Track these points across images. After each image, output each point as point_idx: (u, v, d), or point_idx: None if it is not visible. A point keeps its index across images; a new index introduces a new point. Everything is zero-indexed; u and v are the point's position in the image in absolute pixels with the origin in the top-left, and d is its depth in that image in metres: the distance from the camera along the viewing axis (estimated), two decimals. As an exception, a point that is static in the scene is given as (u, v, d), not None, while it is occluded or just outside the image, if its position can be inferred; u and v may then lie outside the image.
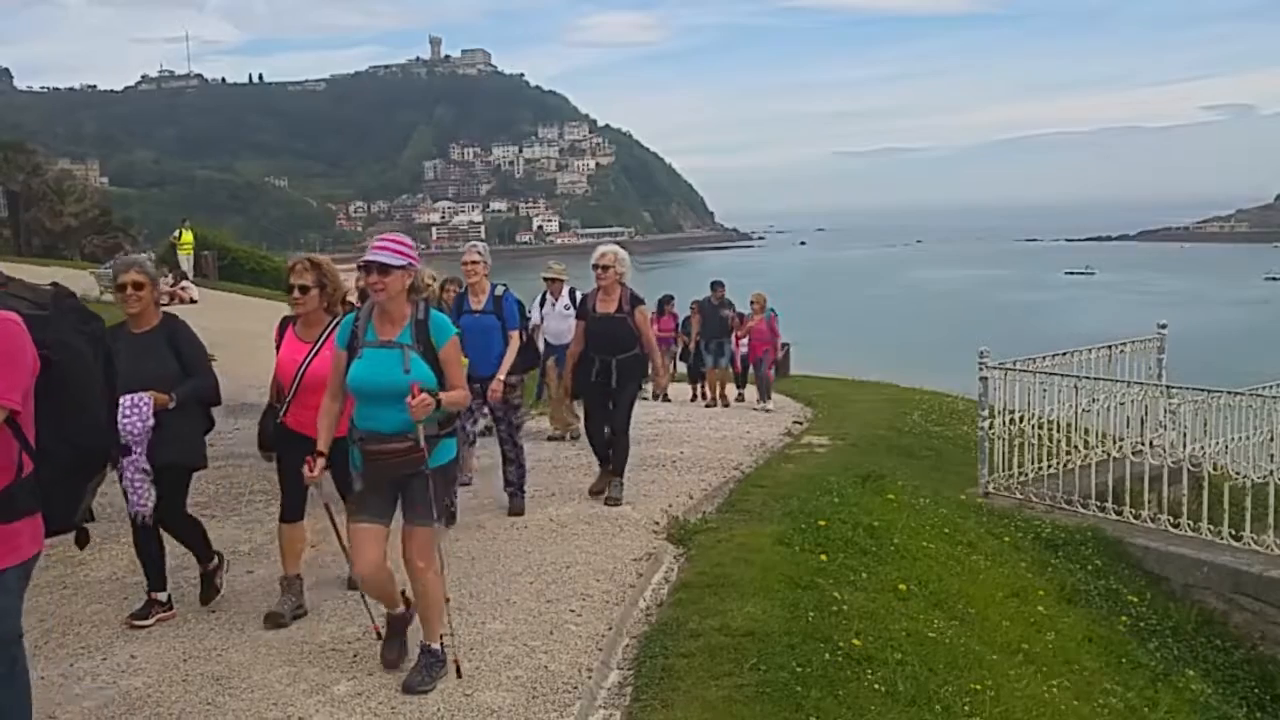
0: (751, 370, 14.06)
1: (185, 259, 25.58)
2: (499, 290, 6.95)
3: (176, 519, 4.92)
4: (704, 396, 13.84)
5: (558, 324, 9.37)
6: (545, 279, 9.89)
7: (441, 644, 4.24)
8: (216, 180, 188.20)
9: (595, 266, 7.00)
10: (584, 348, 7.08)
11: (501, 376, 6.73)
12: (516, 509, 6.78)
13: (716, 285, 14.50)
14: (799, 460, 9.23)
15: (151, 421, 4.62)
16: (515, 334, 6.88)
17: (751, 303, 14.08)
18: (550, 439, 9.48)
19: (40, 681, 4.29)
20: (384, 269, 4.01)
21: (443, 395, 4.03)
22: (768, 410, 13.07)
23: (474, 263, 7.01)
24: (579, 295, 8.77)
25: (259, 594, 5.18)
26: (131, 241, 41.72)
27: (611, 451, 7.17)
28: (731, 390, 14.35)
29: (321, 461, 4.18)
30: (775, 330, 14.08)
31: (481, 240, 6.93)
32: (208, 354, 5.10)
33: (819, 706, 4.04)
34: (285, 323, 4.99)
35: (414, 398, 3.91)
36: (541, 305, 9.74)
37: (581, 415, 8.97)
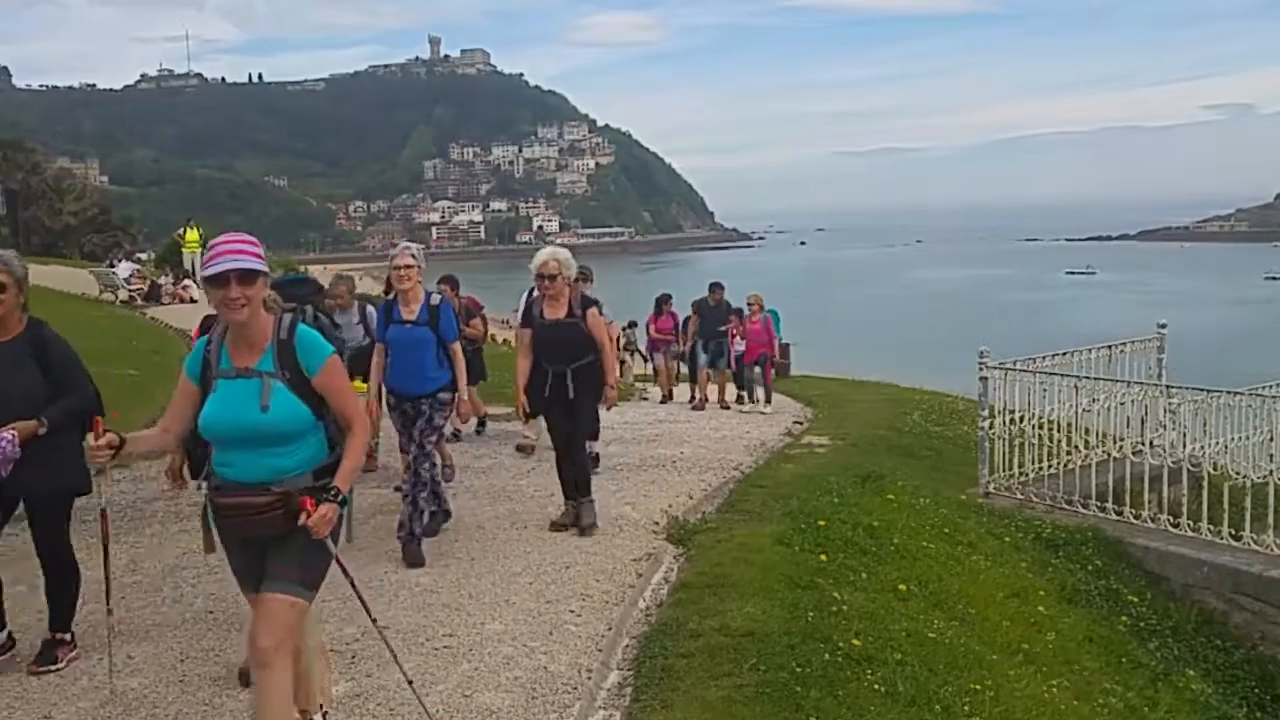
0: (745, 371, 13.66)
1: (190, 258, 25.64)
2: (435, 299, 6.14)
3: (58, 555, 4.49)
4: (693, 398, 13.57)
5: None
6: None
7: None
8: (216, 179, 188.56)
9: (541, 277, 6.33)
10: (533, 359, 6.42)
11: (464, 395, 6.15)
12: (411, 558, 5.69)
13: (715, 286, 14.19)
14: (799, 460, 9.22)
15: (17, 454, 4.12)
16: (455, 346, 6.14)
17: (749, 303, 13.75)
18: (519, 448, 9.06)
19: (37, 682, 4.29)
20: (247, 276, 3.12)
21: (341, 470, 3.25)
22: (763, 413, 12.81)
23: (407, 267, 6.10)
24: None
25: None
26: (131, 240, 41.82)
27: (564, 472, 6.54)
28: (731, 392, 14.06)
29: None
30: (772, 332, 13.71)
31: (413, 246, 6.58)
32: (81, 365, 4.50)
33: (819, 707, 4.03)
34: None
35: (310, 515, 3.14)
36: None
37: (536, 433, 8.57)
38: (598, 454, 8.43)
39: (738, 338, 13.66)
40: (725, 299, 14.07)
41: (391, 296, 6.26)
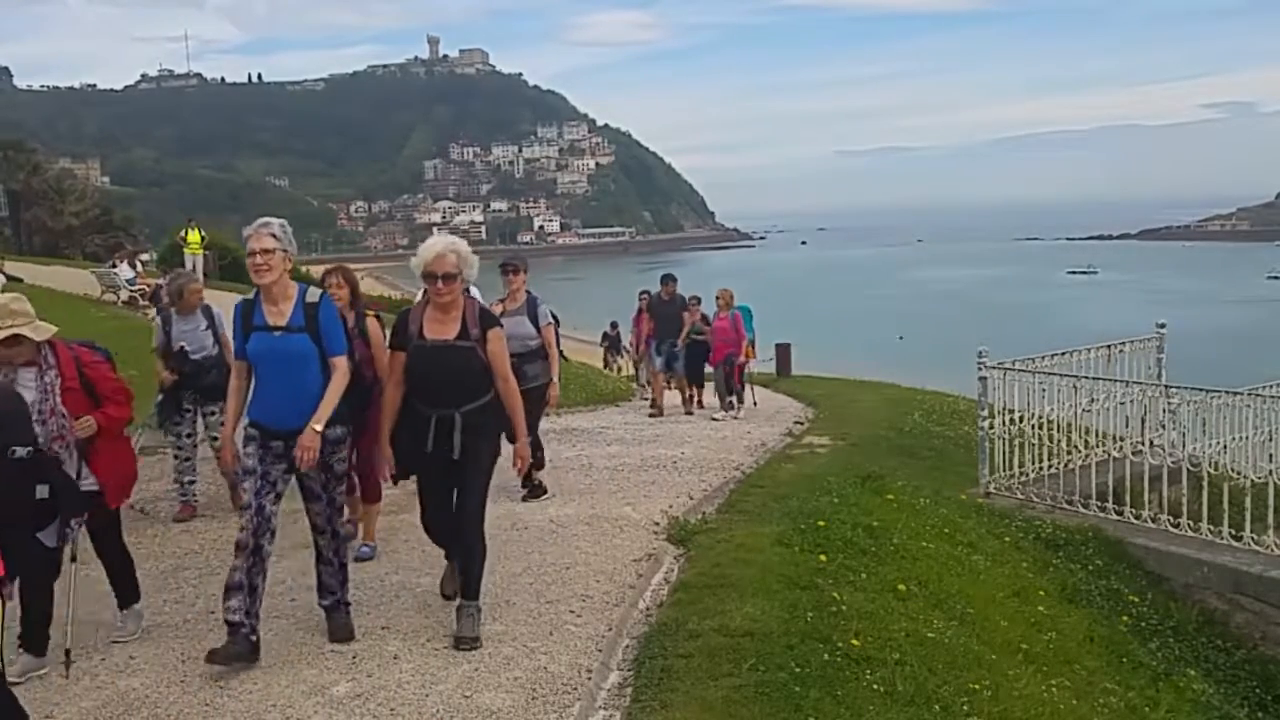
0: (714, 374, 12.53)
1: (191, 259, 25.63)
2: (312, 295, 4.53)
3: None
4: (653, 405, 12.39)
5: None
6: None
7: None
8: (217, 180, 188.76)
9: (433, 277, 4.58)
10: (406, 396, 4.68)
11: (317, 427, 4.35)
12: (338, 631, 4.66)
13: (667, 279, 12.96)
14: (799, 460, 9.22)
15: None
16: (341, 361, 4.49)
17: (716, 299, 12.55)
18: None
19: (38, 682, 4.30)
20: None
21: None
22: (736, 417, 11.97)
23: (265, 252, 4.37)
24: (475, 291, 7.36)
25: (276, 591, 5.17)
26: (133, 240, 41.84)
27: (453, 560, 4.96)
28: (705, 396, 13.13)
29: None
30: (741, 330, 12.40)
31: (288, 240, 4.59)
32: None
33: (818, 707, 4.03)
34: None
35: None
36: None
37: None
38: (541, 482, 7.48)
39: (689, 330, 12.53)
40: (680, 293, 12.90)
41: (253, 297, 4.50)
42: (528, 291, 7.41)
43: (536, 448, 7.09)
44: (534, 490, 7.33)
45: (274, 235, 4.41)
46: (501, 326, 4.80)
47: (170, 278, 8.07)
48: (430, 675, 4.30)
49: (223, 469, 4.56)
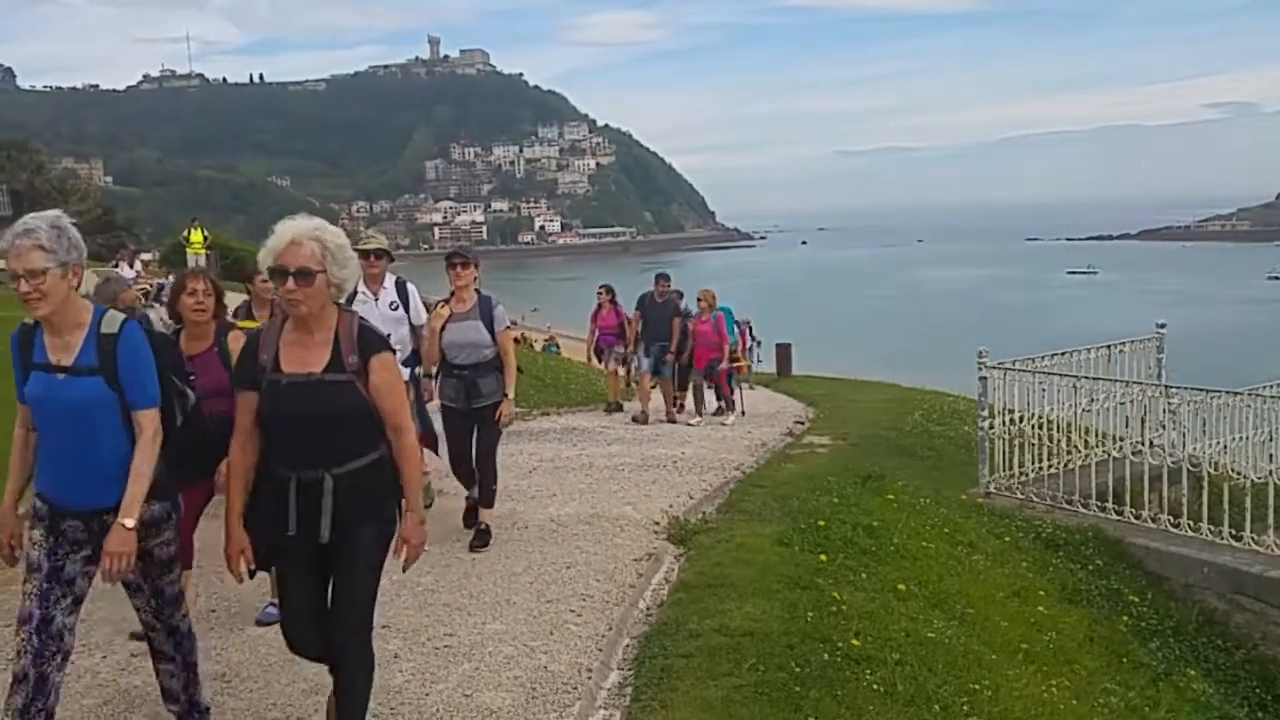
0: (694, 378, 11.94)
1: (194, 259, 25.70)
2: (109, 324, 3.24)
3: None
4: (641, 410, 11.63)
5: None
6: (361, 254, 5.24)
7: None
8: (219, 180, 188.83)
9: (282, 275, 3.22)
10: (261, 453, 3.36)
11: (128, 523, 3.14)
12: None
13: (660, 277, 12.11)
14: (800, 460, 9.23)
15: None
16: (147, 418, 3.24)
17: (698, 300, 11.90)
18: None
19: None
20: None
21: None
22: (724, 424, 11.48)
23: (34, 275, 3.08)
24: (411, 288, 6.64)
25: (258, 594, 5.18)
26: (135, 240, 41.89)
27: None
28: (689, 401, 12.24)
29: None
30: (724, 333, 11.81)
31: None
32: None
33: (818, 707, 4.04)
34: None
35: None
36: (349, 303, 5.74)
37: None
38: (488, 527, 6.17)
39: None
40: (673, 293, 12.08)
41: (32, 325, 3.25)
42: (478, 291, 6.24)
43: (491, 479, 6.22)
44: (480, 536, 6.06)
45: (43, 247, 3.09)
46: (393, 351, 3.41)
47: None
48: (430, 674, 4.31)
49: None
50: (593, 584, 5.42)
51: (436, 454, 6.65)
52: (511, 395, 6.18)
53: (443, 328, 6.14)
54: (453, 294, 6.23)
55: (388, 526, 3.42)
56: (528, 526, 6.55)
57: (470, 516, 6.36)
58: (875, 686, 4.28)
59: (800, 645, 4.52)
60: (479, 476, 6.24)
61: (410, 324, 6.52)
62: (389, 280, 6.54)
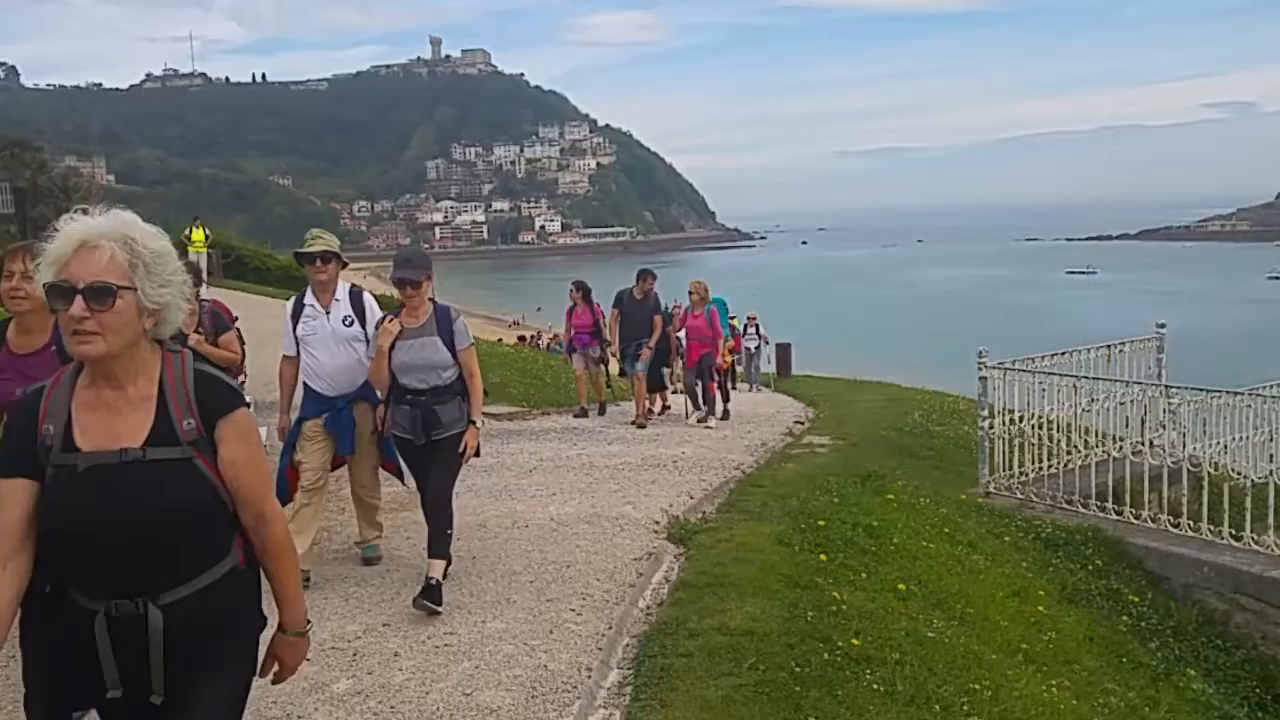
0: (686, 377, 11.39)
1: (196, 257, 25.73)
2: None
3: None
4: (638, 414, 11.11)
5: (330, 355, 5.46)
6: (303, 257, 5.42)
7: None
8: (221, 178, 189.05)
9: (64, 290, 2.17)
10: (48, 569, 2.19)
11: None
12: None
13: (643, 274, 11.43)
14: (800, 460, 9.24)
15: None
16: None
17: (690, 293, 11.33)
18: None
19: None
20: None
21: None
22: (709, 427, 10.91)
23: None
24: (368, 298, 5.60)
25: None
26: (135, 240, 41.88)
27: None
28: (671, 402, 12.13)
29: None
30: (718, 328, 11.24)
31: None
32: None
33: (817, 706, 4.04)
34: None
35: None
36: (295, 319, 5.50)
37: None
38: (438, 583, 5.00)
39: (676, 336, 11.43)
40: (655, 291, 11.48)
41: None
42: (434, 302, 5.31)
43: (444, 524, 5.16)
44: (427, 592, 4.88)
45: None
46: (247, 405, 2.41)
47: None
48: (430, 673, 4.30)
49: None
50: (593, 583, 5.42)
51: (404, 484, 5.85)
52: (479, 423, 5.23)
53: (392, 346, 5.11)
54: (402, 306, 5.24)
55: (246, 670, 2.37)
56: (528, 525, 6.55)
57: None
58: (875, 686, 4.28)
59: (800, 645, 4.52)
60: (429, 523, 5.19)
61: (369, 342, 5.35)
62: (341, 289, 5.50)
